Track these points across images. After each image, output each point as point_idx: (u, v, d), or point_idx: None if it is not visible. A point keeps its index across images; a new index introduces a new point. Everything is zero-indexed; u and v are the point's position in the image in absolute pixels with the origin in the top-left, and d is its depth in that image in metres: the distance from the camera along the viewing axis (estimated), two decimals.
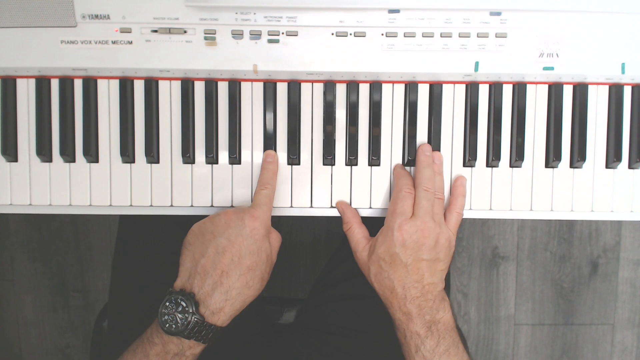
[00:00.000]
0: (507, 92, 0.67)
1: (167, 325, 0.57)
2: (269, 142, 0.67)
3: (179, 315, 0.57)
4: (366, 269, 0.65)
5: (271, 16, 0.63)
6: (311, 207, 0.67)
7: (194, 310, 0.57)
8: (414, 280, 0.61)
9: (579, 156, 0.67)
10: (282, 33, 0.63)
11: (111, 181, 0.66)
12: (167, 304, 0.57)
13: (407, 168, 0.67)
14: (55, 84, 0.66)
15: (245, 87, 0.67)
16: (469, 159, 0.67)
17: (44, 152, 0.66)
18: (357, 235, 0.66)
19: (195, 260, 0.60)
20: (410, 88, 0.66)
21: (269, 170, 0.65)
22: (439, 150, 0.67)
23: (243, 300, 0.60)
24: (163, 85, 0.66)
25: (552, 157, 0.67)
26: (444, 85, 0.67)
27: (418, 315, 0.61)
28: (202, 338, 0.58)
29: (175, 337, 0.58)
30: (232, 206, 0.67)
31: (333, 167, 0.67)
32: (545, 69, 0.65)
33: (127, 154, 0.66)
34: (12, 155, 0.66)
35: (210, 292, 0.58)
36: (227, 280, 0.59)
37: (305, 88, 0.67)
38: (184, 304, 0.57)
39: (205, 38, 0.63)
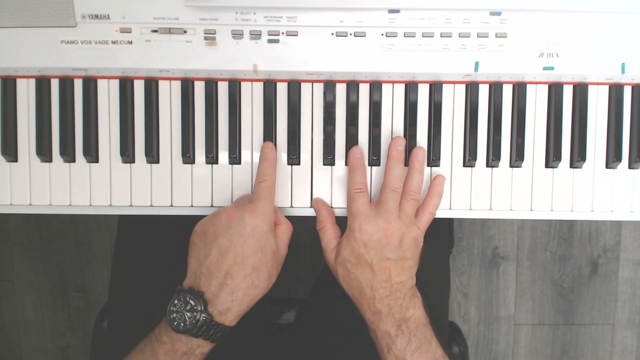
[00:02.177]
0: (507, 92, 0.67)
1: (176, 323, 0.57)
2: None
3: (188, 314, 0.57)
4: (334, 271, 0.64)
5: (271, 16, 0.63)
6: (311, 207, 0.67)
7: (202, 308, 0.57)
8: (381, 280, 0.61)
9: (579, 156, 0.67)
10: (282, 33, 0.63)
11: (111, 181, 0.66)
12: (176, 302, 0.57)
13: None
14: (55, 84, 0.66)
15: (245, 87, 0.67)
16: (469, 159, 0.67)
17: (44, 152, 0.66)
18: (329, 235, 0.65)
19: (199, 261, 0.60)
20: (410, 88, 0.66)
21: (267, 161, 0.64)
22: (439, 150, 0.67)
23: (250, 300, 0.60)
24: (163, 85, 0.66)
25: (552, 157, 0.67)
26: (444, 85, 0.67)
27: (388, 315, 0.60)
28: (210, 337, 0.58)
29: (183, 336, 0.57)
30: None
31: (333, 167, 0.67)
32: (545, 69, 0.65)
33: (127, 154, 0.66)
34: (12, 155, 0.66)
35: (217, 293, 0.58)
36: (232, 282, 0.58)
37: (305, 88, 0.67)
38: (193, 302, 0.57)
39: (205, 38, 0.63)
